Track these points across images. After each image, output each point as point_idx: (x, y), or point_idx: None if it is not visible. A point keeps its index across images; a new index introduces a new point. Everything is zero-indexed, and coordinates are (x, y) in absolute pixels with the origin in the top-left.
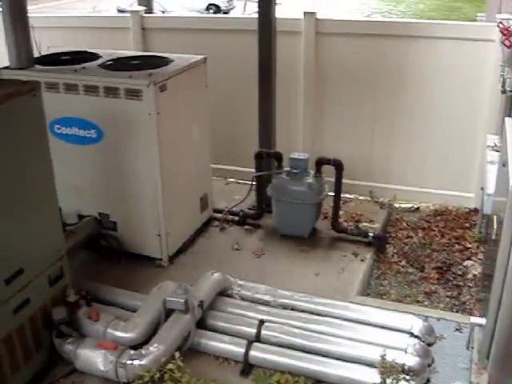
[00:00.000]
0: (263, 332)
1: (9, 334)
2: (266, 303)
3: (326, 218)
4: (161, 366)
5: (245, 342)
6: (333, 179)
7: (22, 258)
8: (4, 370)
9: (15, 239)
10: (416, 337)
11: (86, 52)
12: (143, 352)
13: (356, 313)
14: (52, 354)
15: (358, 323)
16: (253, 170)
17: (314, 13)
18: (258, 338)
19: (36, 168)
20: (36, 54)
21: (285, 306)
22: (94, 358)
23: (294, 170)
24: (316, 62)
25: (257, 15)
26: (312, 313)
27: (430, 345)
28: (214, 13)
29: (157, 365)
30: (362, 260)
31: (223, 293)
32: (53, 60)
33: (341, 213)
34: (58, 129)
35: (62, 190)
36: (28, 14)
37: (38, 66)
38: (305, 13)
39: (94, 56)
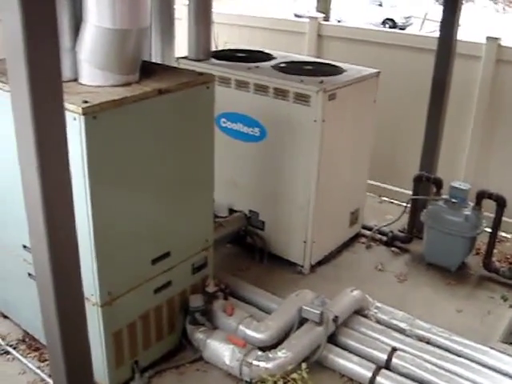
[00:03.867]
0: (394, 360)
1: (147, 312)
2: (402, 331)
3: (477, 253)
4: (285, 374)
5: (373, 366)
6: (492, 215)
7: (171, 241)
8: (137, 344)
9: (168, 223)
10: None
11: (261, 52)
12: (270, 355)
13: (496, 360)
14: (182, 338)
15: (497, 372)
16: (409, 192)
17: (497, 38)
18: (387, 365)
19: (199, 157)
20: (213, 48)
21: (420, 338)
22: (222, 351)
23: (453, 199)
24: (492, 90)
25: (433, 34)
26: (448, 350)
27: None
28: (390, 28)
29: (281, 371)
30: (511, 306)
31: (359, 312)
32: (228, 56)
33: (495, 251)
34: (224, 123)
35: (218, 183)
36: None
37: (213, 60)
38: (487, 37)
39: (268, 56)
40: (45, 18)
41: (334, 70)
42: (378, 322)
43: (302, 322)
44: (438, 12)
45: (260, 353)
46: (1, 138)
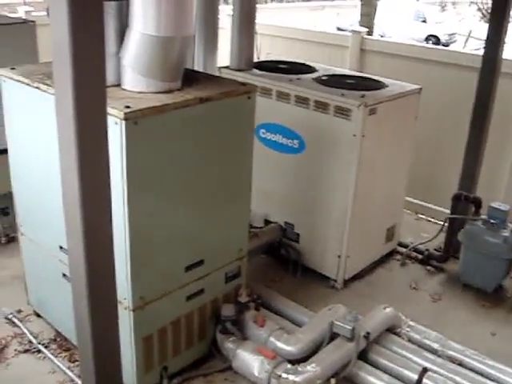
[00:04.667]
0: (424, 381)
1: (178, 318)
2: (434, 351)
3: None
4: None
5: None
6: None
7: (205, 249)
8: (167, 350)
9: (204, 231)
10: None
11: (302, 64)
12: (299, 369)
13: None
14: (212, 347)
15: None
16: (447, 211)
17: None
18: None
19: (237, 166)
20: (255, 59)
21: (452, 360)
22: (251, 362)
23: (492, 220)
24: None
25: (477, 52)
26: (480, 374)
27: None
28: (433, 44)
29: None
30: None
31: (391, 330)
32: (270, 67)
33: None
34: (263, 133)
35: (254, 193)
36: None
37: (255, 70)
38: None
39: (309, 69)
40: (92, 23)
41: (376, 85)
42: (410, 341)
43: (333, 336)
44: (482, 30)
45: (289, 366)
46: (42, 140)
